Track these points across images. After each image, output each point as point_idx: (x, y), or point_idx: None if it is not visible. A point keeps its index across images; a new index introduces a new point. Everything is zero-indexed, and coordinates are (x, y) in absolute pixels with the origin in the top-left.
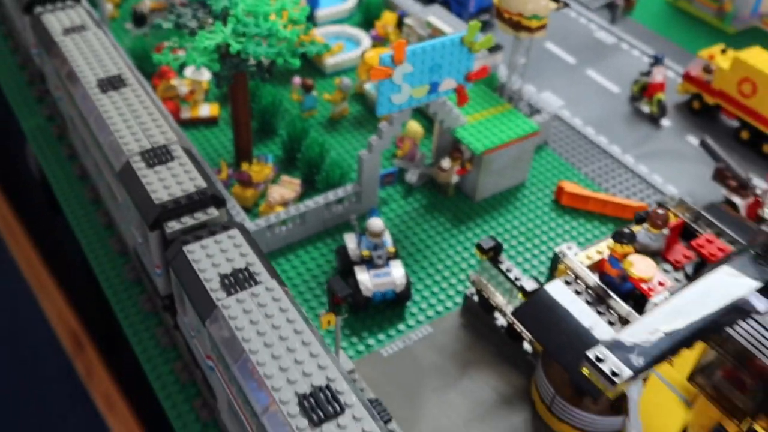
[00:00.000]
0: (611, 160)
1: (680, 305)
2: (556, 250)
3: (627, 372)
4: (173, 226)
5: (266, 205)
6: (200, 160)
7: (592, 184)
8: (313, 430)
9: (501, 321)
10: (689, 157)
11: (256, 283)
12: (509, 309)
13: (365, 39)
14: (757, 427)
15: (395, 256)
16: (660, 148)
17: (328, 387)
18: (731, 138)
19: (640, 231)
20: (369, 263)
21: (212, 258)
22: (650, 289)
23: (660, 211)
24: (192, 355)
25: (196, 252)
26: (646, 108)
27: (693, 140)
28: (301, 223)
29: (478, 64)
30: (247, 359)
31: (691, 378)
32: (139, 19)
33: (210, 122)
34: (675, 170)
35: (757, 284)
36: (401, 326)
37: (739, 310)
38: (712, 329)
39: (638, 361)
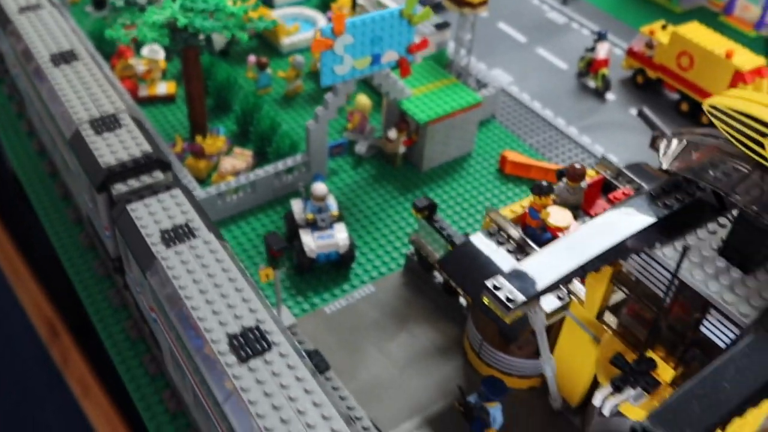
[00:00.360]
0: (556, 131)
1: (576, 240)
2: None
3: (520, 297)
4: (119, 188)
5: (218, 175)
6: (149, 128)
7: (536, 153)
8: (241, 366)
9: (439, 278)
10: (631, 129)
11: (195, 237)
12: None
13: (321, 20)
14: (653, 354)
15: (339, 219)
16: (603, 120)
17: (257, 327)
18: (673, 110)
19: (560, 185)
20: (313, 226)
21: (154, 215)
22: None
23: (577, 166)
24: (140, 311)
25: (138, 210)
26: (591, 83)
27: (636, 113)
28: (252, 191)
29: (422, 39)
30: (182, 305)
31: (599, 316)
32: (99, 2)
33: (167, 100)
34: (617, 141)
35: (652, 220)
36: (346, 286)
37: (630, 247)
38: (600, 263)
39: (531, 288)
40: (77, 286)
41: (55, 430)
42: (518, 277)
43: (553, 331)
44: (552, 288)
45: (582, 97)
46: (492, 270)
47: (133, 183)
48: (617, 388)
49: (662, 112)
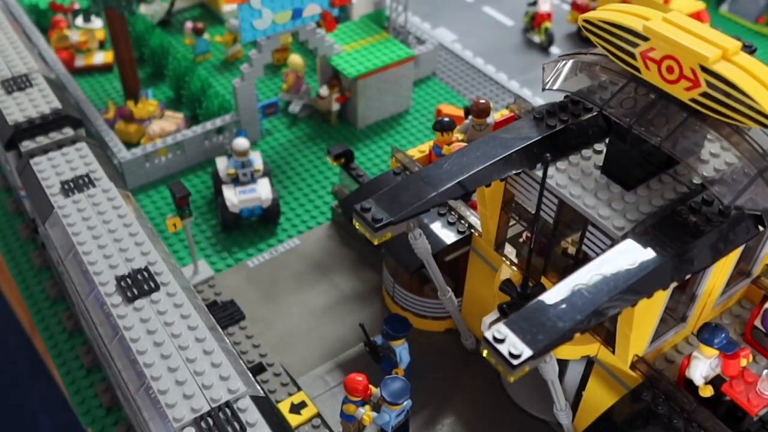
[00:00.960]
0: (496, 86)
1: (455, 159)
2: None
3: (387, 218)
4: (27, 145)
5: (146, 137)
6: (62, 87)
7: None
8: (127, 306)
9: None
10: None
11: (94, 186)
12: None
13: None
14: (544, 281)
15: (264, 175)
16: None
17: (146, 269)
18: None
19: (466, 122)
20: (236, 181)
21: (56, 168)
22: None
23: (482, 101)
24: (55, 267)
25: (42, 164)
26: (536, 38)
27: None
28: (182, 152)
29: None
30: (75, 251)
31: (498, 248)
32: None
33: (105, 69)
34: (558, 94)
35: (532, 140)
36: (272, 241)
37: (513, 165)
38: (483, 178)
39: (399, 209)
40: (1, 249)
41: (41, 417)
42: (388, 200)
43: (461, 269)
44: (422, 208)
45: (526, 52)
46: None
47: (42, 140)
48: (503, 313)
49: None
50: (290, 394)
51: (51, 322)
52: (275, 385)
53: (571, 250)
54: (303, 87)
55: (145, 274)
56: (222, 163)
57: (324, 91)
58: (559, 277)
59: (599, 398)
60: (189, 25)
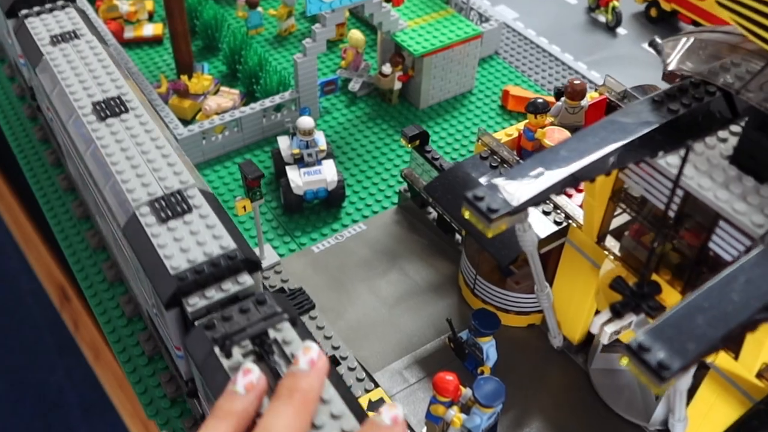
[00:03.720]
0: (563, 66)
1: (568, 147)
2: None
3: (504, 206)
4: (25, 11)
5: (202, 114)
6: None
7: (541, 89)
8: (100, 123)
9: (433, 214)
10: (643, 63)
11: (78, 38)
12: None
13: None
14: (657, 278)
15: (329, 155)
16: (614, 54)
17: (118, 97)
18: None
19: (558, 104)
20: (300, 162)
21: (47, 26)
22: None
23: (577, 82)
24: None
25: (35, 23)
26: (602, 17)
27: (648, 47)
28: (239, 130)
29: None
30: (57, 83)
31: (600, 241)
32: None
33: (155, 42)
34: (628, 75)
35: (653, 127)
36: (336, 226)
37: (628, 154)
38: (594, 172)
39: (517, 196)
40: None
41: (67, 393)
42: (502, 188)
43: (552, 262)
44: (541, 197)
45: (591, 31)
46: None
47: (37, 7)
48: (617, 313)
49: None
50: (367, 391)
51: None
52: (350, 380)
53: (687, 244)
54: (362, 64)
55: (117, 101)
56: (284, 143)
57: (387, 69)
58: (673, 275)
59: (713, 408)
60: None
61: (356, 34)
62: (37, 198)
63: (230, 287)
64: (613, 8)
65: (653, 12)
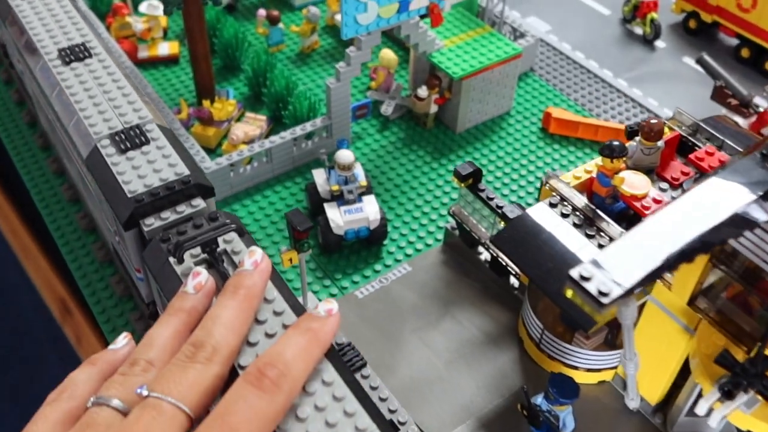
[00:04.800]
0: (602, 84)
1: (674, 217)
2: (544, 179)
3: (616, 290)
4: None
5: (229, 143)
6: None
7: (583, 110)
8: (65, 66)
9: (485, 255)
10: (686, 79)
11: None
12: None
13: None
14: None
15: (368, 190)
16: (655, 70)
17: (82, 44)
18: (731, 57)
19: (632, 144)
20: (339, 199)
21: None
22: (645, 207)
23: (653, 121)
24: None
25: None
26: (638, 29)
27: (690, 61)
28: (268, 160)
29: None
30: (24, 30)
31: (692, 302)
32: None
33: (170, 61)
34: (671, 92)
35: (763, 189)
36: (378, 266)
37: (743, 221)
38: (711, 242)
39: (629, 277)
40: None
41: None
42: (609, 265)
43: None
44: (654, 276)
45: (628, 45)
46: (558, 249)
47: None
48: (728, 394)
49: (720, 59)
50: None
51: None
52: None
53: None
54: (393, 85)
55: (82, 47)
56: (320, 177)
57: (423, 92)
58: None
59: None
60: (262, 12)
61: (388, 54)
62: (40, 209)
63: (184, 209)
64: (652, 20)
65: (692, 23)
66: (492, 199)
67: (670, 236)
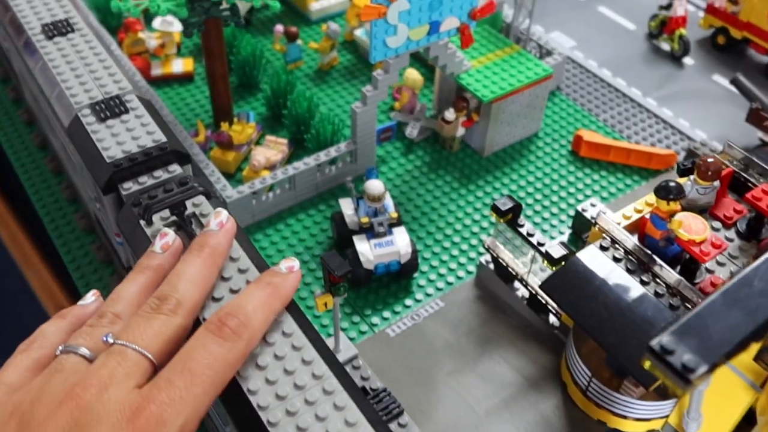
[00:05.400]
0: (632, 104)
1: (758, 281)
2: (579, 208)
3: (703, 366)
4: None
5: (250, 169)
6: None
7: (612, 131)
8: (48, 41)
9: (522, 291)
10: (717, 98)
11: None
12: (531, 278)
13: None
14: None
15: (398, 222)
16: (684, 88)
17: (66, 20)
18: (761, 74)
19: (687, 184)
20: (369, 231)
21: None
22: (705, 253)
23: (710, 160)
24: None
25: None
26: (666, 45)
27: (720, 79)
28: (291, 188)
29: (481, 0)
30: (10, 8)
31: (759, 357)
32: None
33: (184, 79)
34: (702, 113)
35: None
36: (408, 301)
37: None
38: None
39: (715, 350)
40: None
41: None
42: (693, 335)
43: None
44: (741, 348)
45: (656, 62)
46: (613, 298)
47: None
48: None
49: (751, 77)
50: None
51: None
52: None
53: None
54: (417, 106)
55: (65, 22)
56: (348, 207)
57: (450, 114)
58: None
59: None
60: (279, 29)
61: (413, 74)
62: (39, 212)
63: (161, 175)
64: (680, 36)
65: (720, 39)
66: (532, 235)
67: (757, 302)
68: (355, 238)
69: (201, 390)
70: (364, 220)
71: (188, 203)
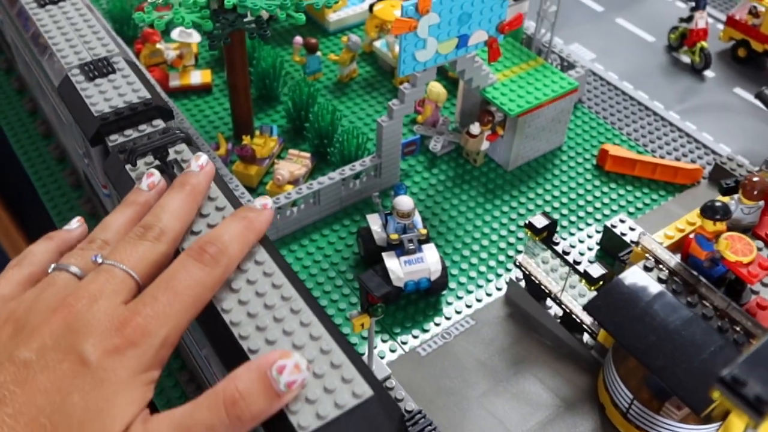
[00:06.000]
0: (654, 117)
1: None
2: (608, 223)
3: None
4: None
5: (273, 183)
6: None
7: (636, 145)
8: (40, 9)
9: (555, 309)
10: (740, 111)
11: None
12: (565, 296)
13: None
14: None
15: (427, 239)
16: (706, 102)
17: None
18: None
19: (731, 203)
20: (398, 248)
21: None
22: (753, 275)
23: (755, 179)
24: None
25: None
26: (686, 58)
27: (742, 92)
28: (315, 202)
29: (509, 13)
30: None
31: None
32: None
33: (203, 90)
34: (725, 126)
35: None
36: (438, 319)
37: None
38: None
39: None
40: None
41: None
42: (763, 367)
43: None
44: None
45: (676, 74)
46: (660, 321)
47: None
48: None
49: None
50: None
51: None
52: None
53: None
54: (440, 119)
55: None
56: (376, 223)
57: (475, 129)
58: None
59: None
60: (299, 40)
61: (437, 87)
62: (27, 171)
63: (146, 129)
64: (701, 49)
65: (741, 52)
66: (567, 253)
67: None
68: (385, 255)
69: (182, 307)
70: (394, 236)
71: (171, 151)
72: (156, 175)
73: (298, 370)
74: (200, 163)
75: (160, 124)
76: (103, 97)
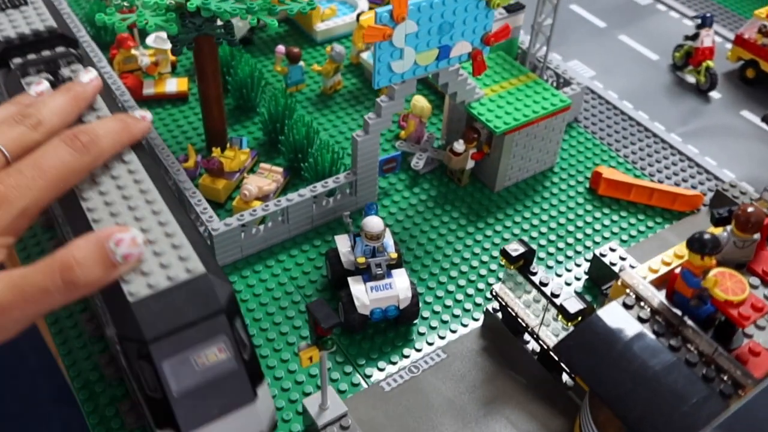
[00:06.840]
0: (654, 139)
1: None
2: (597, 252)
3: None
4: None
5: (240, 199)
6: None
7: (633, 168)
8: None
9: (532, 345)
10: (746, 135)
11: None
12: (543, 331)
13: (363, 2)
14: None
15: (398, 263)
16: (710, 124)
17: None
18: None
19: (723, 235)
20: (366, 273)
21: None
22: (744, 317)
23: (750, 209)
24: None
25: None
26: (691, 78)
27: (749, 115)
28: (284, 221)
29: (496, 25)
30: None
31: None
32: None
33: (178, 99)
34: (730, 151)
35: None
36: (407, 350)
37: None
38: None
39: None
40: None
41: None
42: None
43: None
44: None
45: (680, 95)
46: (638, 366)
47: None
48: None
49: None
50: None
51: None
52: None
53: None
54: (425, 136)
55: None
56: (344, 245)
57: (460, 146)
58: None
59: None
60: (281, 49)
61: (421, 102)
62: None
63: (48, 53)
64: (707, 68)
65: (750, 73)
66: (545, 284)
67: None
68: (351, 280)
69: (45, 184)
70: (361, 260)
71: (67, 70)
72: (44, 84)
73: (135, 244)
74: (90, 76)
75: (61, 49)
76: (12, 25)
